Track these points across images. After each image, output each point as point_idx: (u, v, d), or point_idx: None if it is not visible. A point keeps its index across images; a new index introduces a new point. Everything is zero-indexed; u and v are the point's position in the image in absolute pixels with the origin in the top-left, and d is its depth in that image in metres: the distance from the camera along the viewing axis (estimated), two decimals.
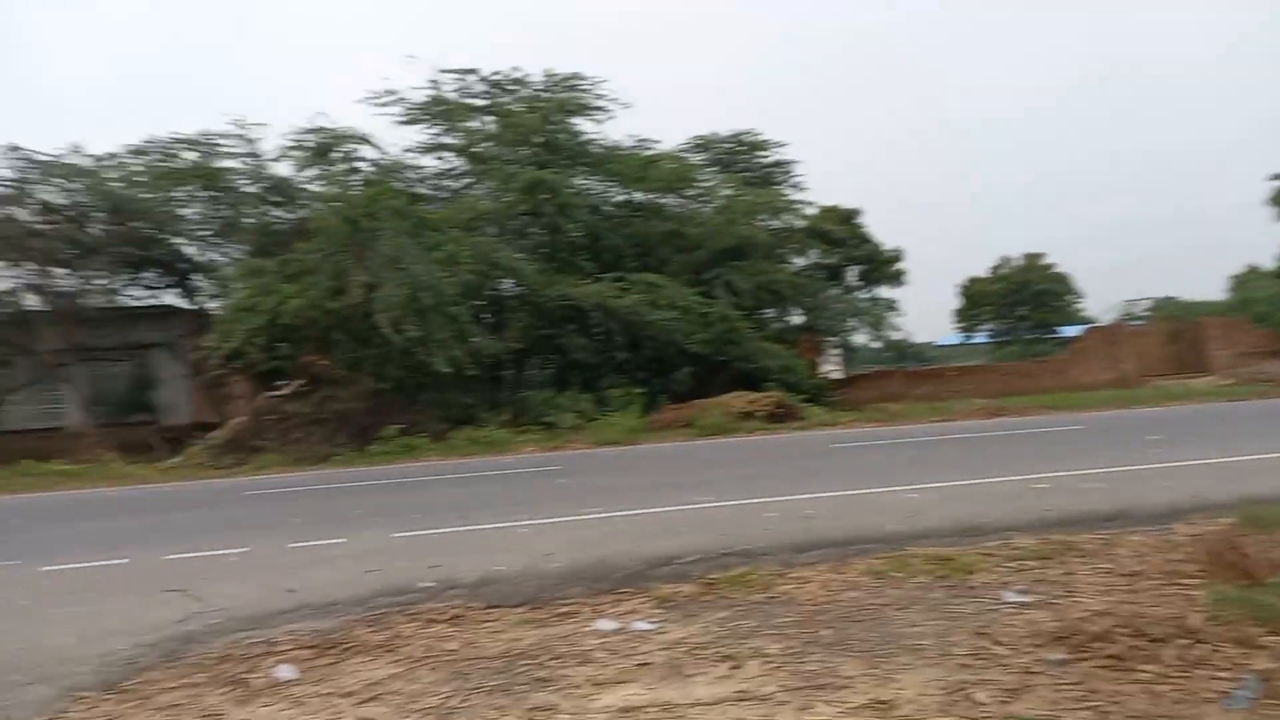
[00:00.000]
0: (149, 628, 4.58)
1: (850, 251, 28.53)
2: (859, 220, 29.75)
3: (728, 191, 23.63)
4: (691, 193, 23.60)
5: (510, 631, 4.14)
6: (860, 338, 27.26)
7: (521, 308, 19.68)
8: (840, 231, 26.83)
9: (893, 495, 7.22)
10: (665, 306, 18.87)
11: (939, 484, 7.69)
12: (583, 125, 22.24)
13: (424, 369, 16.42)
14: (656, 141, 24.08)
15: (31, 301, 18.36)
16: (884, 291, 30.92)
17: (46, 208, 17.93)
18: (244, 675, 3.77)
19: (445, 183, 22.55)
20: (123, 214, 17.90)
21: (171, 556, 6.60)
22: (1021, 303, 43.13)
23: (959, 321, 46.59)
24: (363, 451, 15.36)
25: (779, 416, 17.27)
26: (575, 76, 22.22)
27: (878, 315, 25.59)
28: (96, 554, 6.95)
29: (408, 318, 15.06)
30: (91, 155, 18.27)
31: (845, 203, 29.57)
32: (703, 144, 26.50)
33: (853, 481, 8.20)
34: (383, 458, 14.99)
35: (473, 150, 21.56)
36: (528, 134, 20.77)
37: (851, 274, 30.27)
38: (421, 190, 21.57)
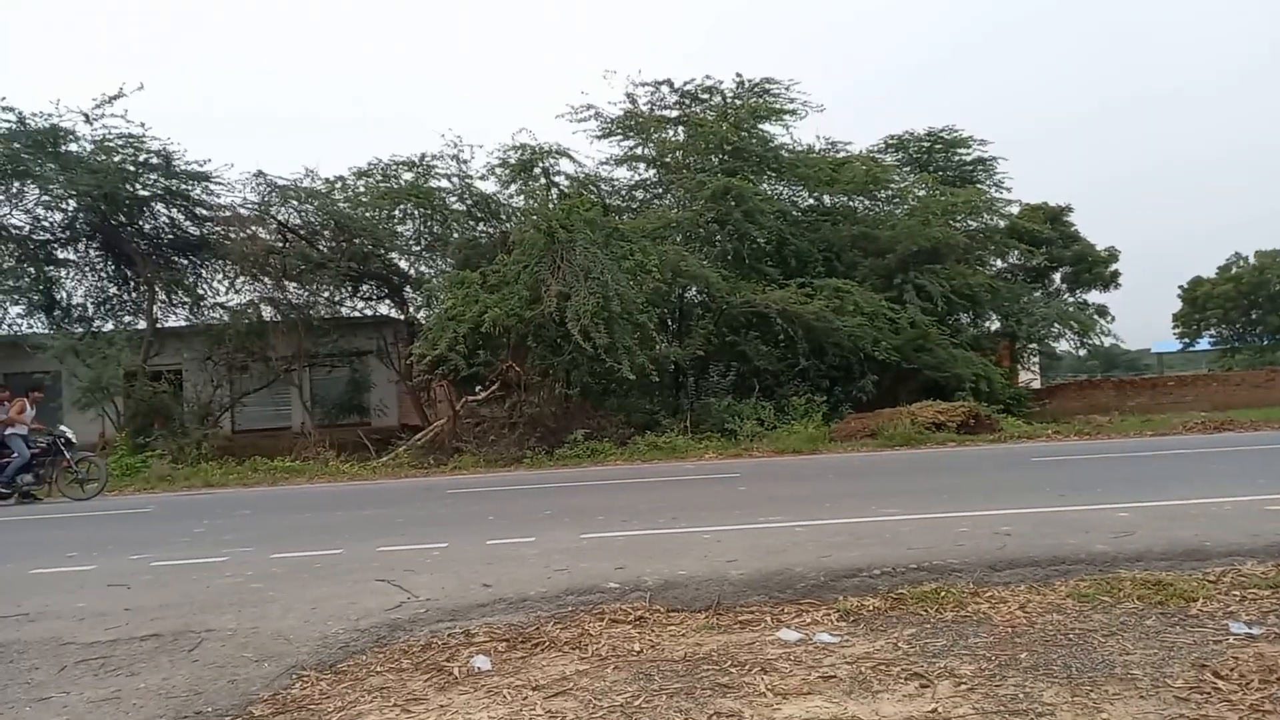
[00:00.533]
0: (361, 614, 4.94)
1: (1058, 252, 26.76)
2: (1069, 219, 27.89)
3: (921, 192, 22.79)
4: (883, 194, 22.97)
5: (693, 636, 4.16)
6: (1064, 345, 25.47)
7: (705, 314, 19.81)
8: (1046, 231, 25.19)
9: (1100, 513, 6.68)
10: (852, 312, 18.43)
11: (1154, 503, 7.04)
12: (772, 130, 22.20)
13: (610, 375, 16.86)
14: (848, 143, 23.70)
15: (267, 312, 20.40)
16: (1095, 295, 28.82)
17: (283, 227, 19.87)
18: (444, 663, 3.98)
19: (636, 193, 23.10)
20: (347, 232, 19.55)
21: (382, 548, 7.10)
22: (1255, 305, 38.89)
23: (1179, 326, 42.66)
24: (551, 455, 15.94)
25: (972, 428, 16.43)
26: (767, 81, 22.21)
27: (1085, 320, 23.81)
28: (317, 544, 7.58)
29: (597, 325, 15.52)
30: (323, 179, 20.14)
31: (1055, 199, 27.84)
32: (896, 144, 25.75)
33: (1054, 497, 7.67)
34: (570, 461, 15.49)
35: (663, 160, 21.98)
36: (718, 142, 20.93)
37: (1058, 276, 28.41)
38: (614, 201, 22.20)
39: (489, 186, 20.92)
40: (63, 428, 14.51)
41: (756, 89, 22.37)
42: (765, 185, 21.76)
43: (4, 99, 17.77)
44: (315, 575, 6.21)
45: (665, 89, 22.31)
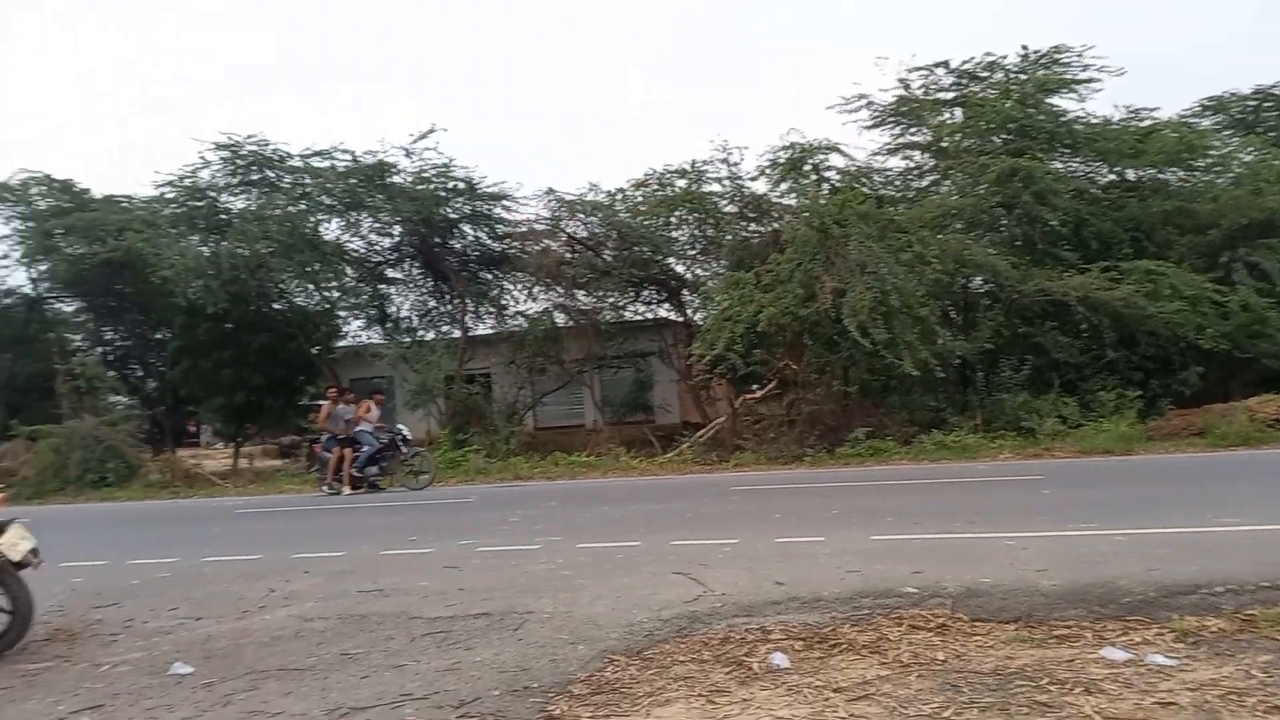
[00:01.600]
0: (662, 604, 5.22)
1: None
2: None
3: (1248, 157, 19.90)
4: (1201, 164, 20.29)
5: (1002, 648, 3.98)
6: None
7: (993, 305, 18.60)
8: None
9: None
10: (1169, 297, 16.48)
11: None
12: (1063, 103, 20.38)
13: (890, 371, 16.33)
14: (1153, 109, 21.15)
15: (560, 319, 21.98)
16: None
17: (571, 240, 21.34)
18: (743, 658, 4.12)
19: (911, 182, 22.22)
20: (628, 240, 20.57)
21: (675, 542, 7.43)
22: None
23: None
24: (831, 453, 15.75)
25: None
26: (1056, 50, 20.47)
27: None
28: (616, 535, 8.08)
29: (875, 320, 15.12)
30: (605, 191, 21.34)
31: None
32: (1215, 105, 22.69)
33: None
34: (851, 459, 15.23)
35: (940, 145, 20.95)
36: (1001, 121, 19.57)
37: None
38: (888, 192, 21.50)
39: (759, 187, 20.99)
40: (400, 425, 16.55)
41: (1044, 60, 20.64)
42: (1057, 163, 20.00)
43: (343, 143, 20.75)
44: (618, 565, 6.64)
45: (940, 71, 21.23)
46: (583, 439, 20.10)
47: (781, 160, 20.33)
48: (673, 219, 21.00)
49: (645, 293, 22.42)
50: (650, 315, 23.05)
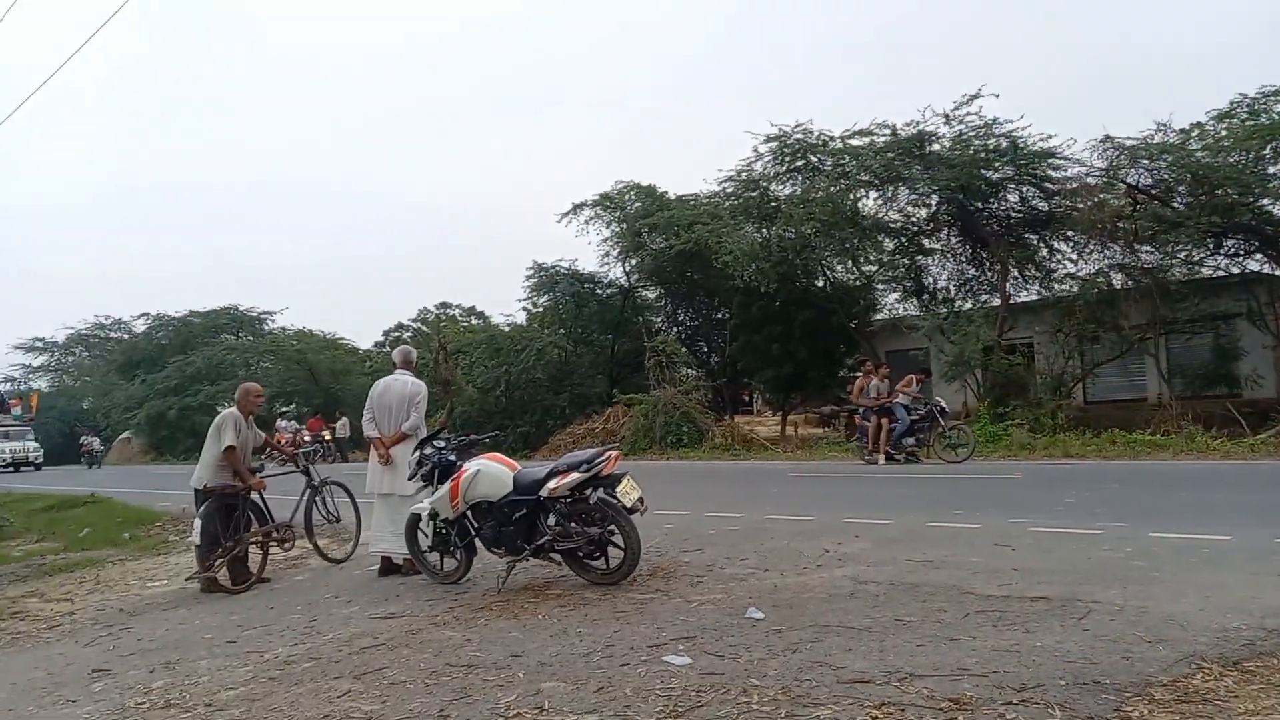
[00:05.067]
0: (1265, 611, 4.51)
1: None
2: None
3: None
4: None
5: None
6: None
7: None
8: None
9: None
10: None
11: None
12: None
13: None
14: None
15: (1116, 280, 19.65)
16: None
17: (1131, 190, 18.84)
18: None
19: None
20: (1206, 184, 17.41)
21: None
22: None
23: None
24: None
25: None
26: None
27: None
28: (1196, 526, 7.12)
29: None
30: (1176, 130, 18.43)
31: None
32: None
33: None
34: None
35: None
36: None
37: None
38: None
39: None
40: (937, 398, 16.47)
41: None
42: None
43: (883, 120, 21.01)
44: (1203, 560, 5.87)
45: None
46: (1145, 415, 17.79)
47: None
48: (1267, 151, 17.31)
49: (1229, 243, 18.94)
50: (1236, 270, 19.43)
